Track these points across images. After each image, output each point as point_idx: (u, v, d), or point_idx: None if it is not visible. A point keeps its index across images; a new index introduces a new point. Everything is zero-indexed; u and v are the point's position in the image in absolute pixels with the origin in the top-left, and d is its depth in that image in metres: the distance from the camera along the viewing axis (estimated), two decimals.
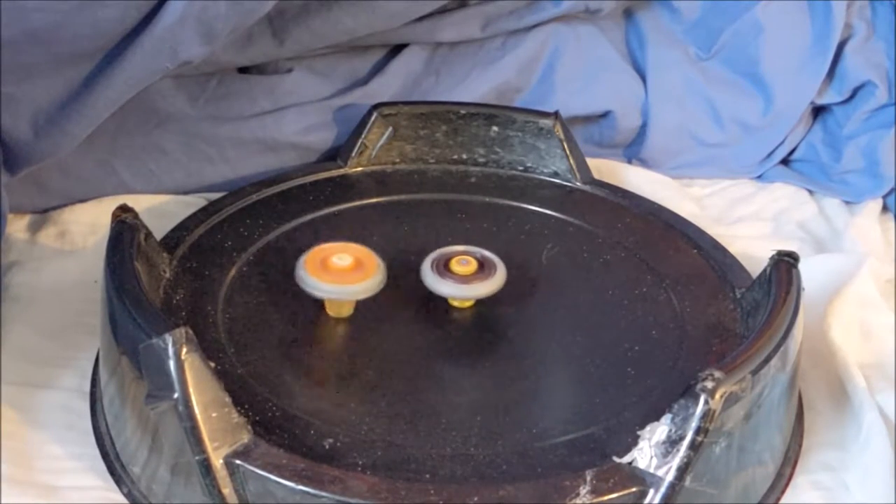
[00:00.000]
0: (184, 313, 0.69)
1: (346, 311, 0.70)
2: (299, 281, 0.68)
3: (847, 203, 0.96)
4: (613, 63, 0.98)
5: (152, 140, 0.87)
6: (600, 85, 0.97)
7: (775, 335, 0.62)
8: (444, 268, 0.70)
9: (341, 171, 0.87)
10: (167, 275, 0.72)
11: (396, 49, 0.95)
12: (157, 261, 0.72)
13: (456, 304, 0.72)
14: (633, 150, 1.00)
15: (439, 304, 0.72)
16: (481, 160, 0.89)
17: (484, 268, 0.71)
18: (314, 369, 0.66)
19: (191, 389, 0.56)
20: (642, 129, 0.98)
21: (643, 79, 0.99)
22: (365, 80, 0.93)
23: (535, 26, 0.96)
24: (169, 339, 0.56)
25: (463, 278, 0.70)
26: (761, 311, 0.67)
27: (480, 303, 0.72)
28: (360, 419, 0.62)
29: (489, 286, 0.70)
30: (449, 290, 0.70)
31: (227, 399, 0.57)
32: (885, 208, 0.95)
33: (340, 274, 0.68)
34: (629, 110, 0.97)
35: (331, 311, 0.70)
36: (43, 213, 0.86)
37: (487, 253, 0.72)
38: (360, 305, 0.72)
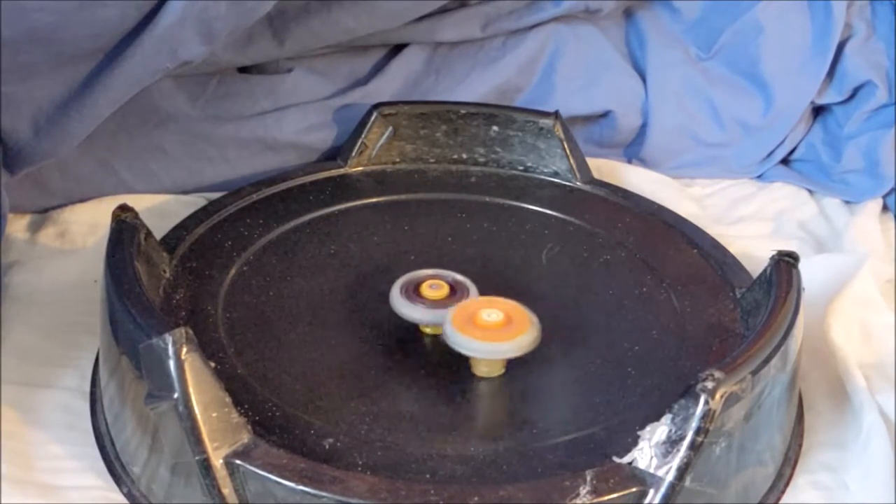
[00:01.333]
0: (184, 313, 0.69)
1: (497, 370, 0.66)
2: (446, 338, 0.65)
3: (847, 203, 0.96)
4: (613, 63, 0.98)
5: (152, 140, 0.87)
6: (600, 85, 0.97)
7: (775, 335, 0.62)
8: (413, 293, 0.68)
9: (341, 171, 0.87)
10: (167, 274, 0.72)
11: (396, 49, 0.95)
12: (158, 260, 0.72)
13: (428, 330, 0.69)
14: (633, 150, 1.00)
15: None
16: (481, 160, 0.89)
17: (455, 292, 0.69)
18: (314, 369, 0.66)
19: (191, 389, 0.56)
20: (642, 129, 0.98)
21: (643, 79, 0.99)
22: (365, 80, 0.94)
23: (535, 26, 0.96)
24: (169, 338, 0.56)
25: (433, 303, 0.67)
26: (761, 311, 0.67)
27: None
28: (360, 419, 0.62)
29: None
30: (420, 315, 0.67)
31: (227, 399, 0.57)
32: (885, 208, 0.95)
33: (491, 331, 0.64)
34: (629, 110, 0.97)
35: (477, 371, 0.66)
36: (43, 213, 0.86)
37: (459, 276, 0.70)
38: (359, 303, 0.72)
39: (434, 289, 0.68)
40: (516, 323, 0.65)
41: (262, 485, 0.56)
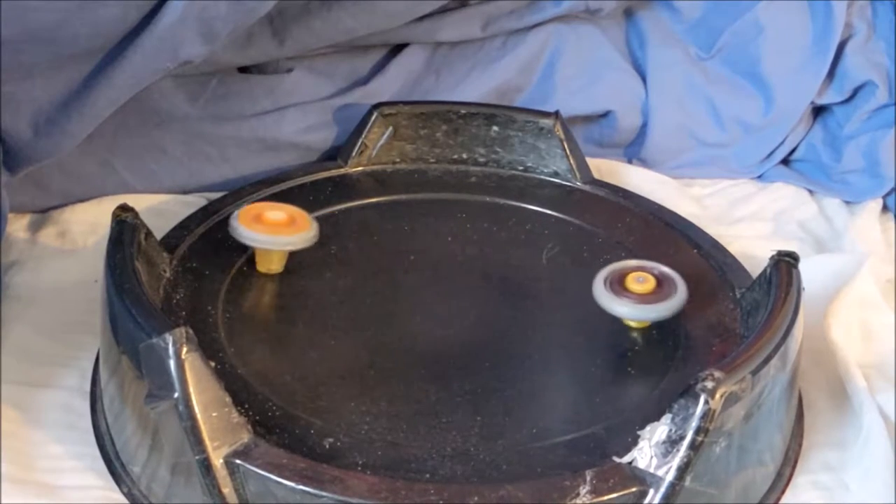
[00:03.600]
0: (184, 313, 0.69)
1: (276, 265, 0.73)
2: (232, 231, 0.71)
3: (847, 203, 0.96)
4: (614, 63, 0.98)
5: (153, 140, 0.87)
6: (601, 85, 0.97)
7: (775, 335, 0.62)
8: (619, 286, 0.67)
9: (341, 171, 0.87)
10: (167, 274, 0.72)
11: (397, 49, 0.95)
12: (158, 260, 0.72)
13: (633, 324, 0.69)
14: (633, 150, 1.00)
15: (440, 303, 0.72)
16: (482, 160, 0.89)
17: (663, 286, 0.68)
18: (314, 369, 0.66)
19: (191, 389, 0.56)
20: (642, 129, 0.98)
21: (643, 78, 0.99)
22: (365, 80, 0.93)
23: (535, 26, 0.96)
24: (169, 338, 0.56)
25: (640, 297, 0.67)
26: (761, 311, 0.67)
27: (481, 303, 0.72)
28: (360, 419, 0.62)
29: (669, 306, 0.67)
30: (625, 310, 0.67)
31: (228, 399, 0.57)
32: (885, 208, 0.95)
33: (274, 226, 0.71)
34: (629, 110, 0.97)
35: (261, 266, 0.73)
36: (43, 213, 0.86)
37: (665, 269, 0.69)
38: (359, 304, 0.72)
39: (640, 282, 0.68)
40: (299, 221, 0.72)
41: (262, 484, 0.56)
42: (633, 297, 0.67)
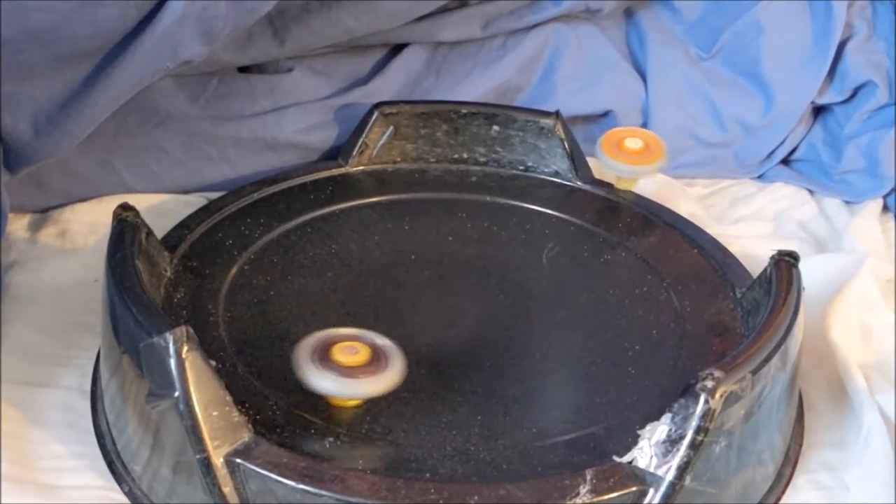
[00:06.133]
0: (185, 312, 0.69)
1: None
2: (600, 160, 0.83)
3: (847, 203, 0.96)
4: (614, 63, 0.98)
5: (153, 139, 0.87)
6: (601, 84, 0.97)
7: (775, 335, 0.62)
8: (326, 357, 0.58)
9: (342, 171, 0.87)
10: (168, 273, 0.72)
11: (397, 48, 0.95)
12: (158, 259, 0.72)
13: (338, 402, 0.61)
14: None
15: (440, 302, 0.72)
16: (482, 159, 0.89)
17: (376, 359, 0.59)
18: None
19: (191, 388, 0.56)
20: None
21: (644, 78, 0.99)
22: (365, 80, 0.94)
23: (535, 26, 0.96)
24: (170, 337, 0.56)
25: (348, 371, 0.58)
26: (761, 311, 0.67)
27: (481, 303, 0.72)
28: (360, 419, 0.62)
29: (380, 383, 0.59)
30: (331, 385, 0.58)
31: (228, 398, 0.57)
32: (885, 208, 0.95)
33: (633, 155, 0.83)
34: (629, 110, 0.97)
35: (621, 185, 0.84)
36: (43, 213, 0.86)
37: (380, 340, 0.60)
38: (359, 303, 0.72)
39: (350, 352, 0.59)
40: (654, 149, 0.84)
41: (262, 483, 0.56)
42: (341, 370, 0.58)
